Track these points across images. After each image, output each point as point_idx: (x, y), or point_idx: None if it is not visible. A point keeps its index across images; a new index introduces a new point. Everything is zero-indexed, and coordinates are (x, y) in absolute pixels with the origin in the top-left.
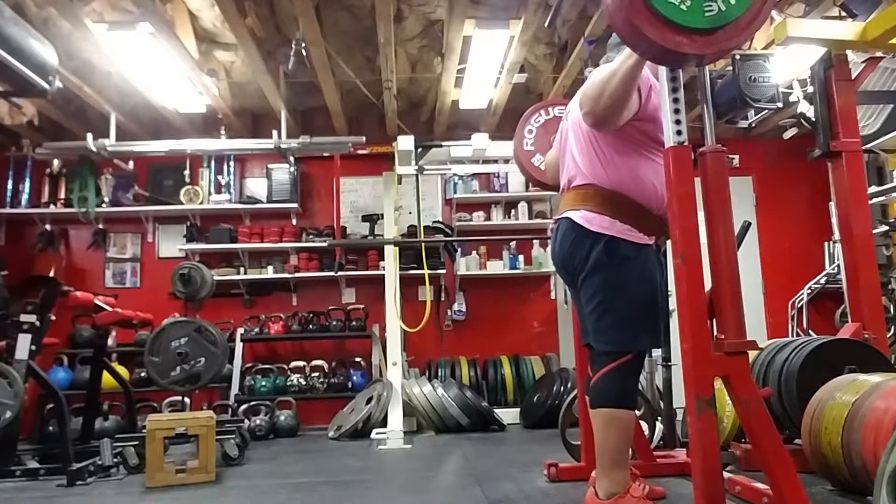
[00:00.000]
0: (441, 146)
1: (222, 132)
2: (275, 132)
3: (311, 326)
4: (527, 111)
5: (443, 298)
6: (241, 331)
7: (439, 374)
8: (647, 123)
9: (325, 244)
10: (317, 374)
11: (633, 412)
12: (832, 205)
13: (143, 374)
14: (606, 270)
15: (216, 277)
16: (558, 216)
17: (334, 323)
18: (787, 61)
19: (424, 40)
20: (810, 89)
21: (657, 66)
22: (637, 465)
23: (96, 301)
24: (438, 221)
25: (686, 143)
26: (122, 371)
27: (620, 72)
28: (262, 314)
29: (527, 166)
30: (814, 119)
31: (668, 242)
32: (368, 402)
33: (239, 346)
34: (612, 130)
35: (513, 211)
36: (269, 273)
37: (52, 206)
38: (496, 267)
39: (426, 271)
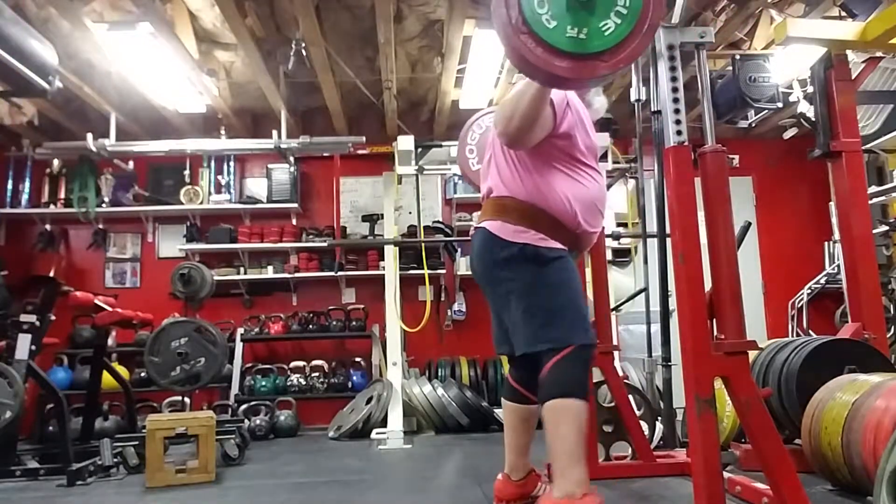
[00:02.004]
0: (441, 146)
1: (222, 132)
2: (275, 132)
3: (311, 326)
4: (462, 130)
5: (443, 298)
6: (241, 331)
7: (439, 374)
8: (562, 140)
9: (325, 244)
10: (317, 374)
11: (582, 402)
12: (832, 205)
13: (143, 374)
14: (527, 274)
15: (216, 277)
16: (477, 225)
17: (334, 323)
18: (787, 61)
19: (424, 40)
20: (810, 89)
21: None
22: (637, 465)
23: (96, 301)
24: (438, 221)
25: (686, 143)
26: (122, 371)
27: (529, 92)
28: (262, 314)
29: (478, 182)
30: (814, 119)
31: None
32: (368, 402)
33: (239, 346)
34: (530, 148)
35: None
36: (269, 273)
37: (52, 206)
38: None
39: (426, 271)
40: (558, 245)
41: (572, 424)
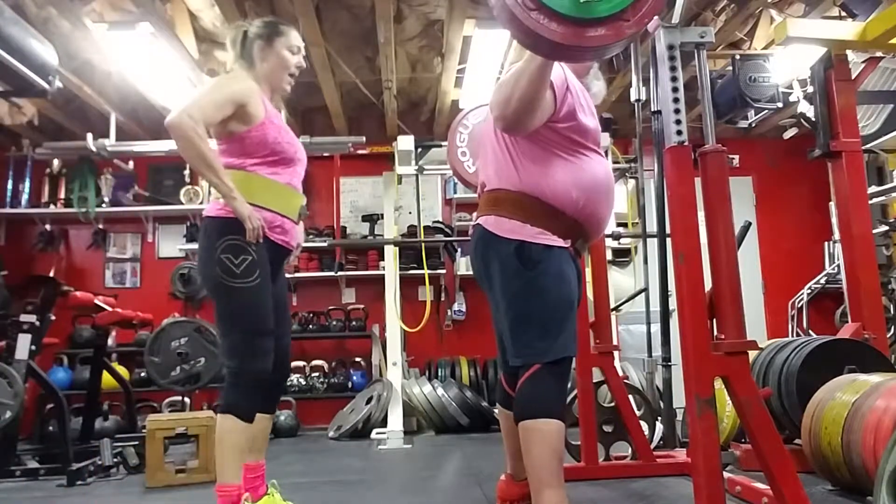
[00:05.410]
0: (441, 146)
1: None
2: None
3: (311, 326)
4: (448, 134)
5: (443, 298)
6: None
7: (439, 374)
8: (563, 123)
9: (325, 244)
10: (317, 374)
11: (554, 422)
12: (832, 205)
13: (143, 374)
14: (520, 278)
15: None
16: (473, 222)
17: (334, 323)
18: (787, 61)
19: (424, 40)
20: (810, 89)
21: (580, 64)
22: (637, 465)
23: (96, 301)
24: (438, 221)
25: (686, 143)
26: (122, 371)
27: (527, 72)
28: None
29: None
30: (814, 119)
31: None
32: (368, 402)
33: None
34: (528, 134)
35: None
36: None
37: (52, 206)
38: None
39: (426, 271)
40: (557, 239)
41: (543, 448)
